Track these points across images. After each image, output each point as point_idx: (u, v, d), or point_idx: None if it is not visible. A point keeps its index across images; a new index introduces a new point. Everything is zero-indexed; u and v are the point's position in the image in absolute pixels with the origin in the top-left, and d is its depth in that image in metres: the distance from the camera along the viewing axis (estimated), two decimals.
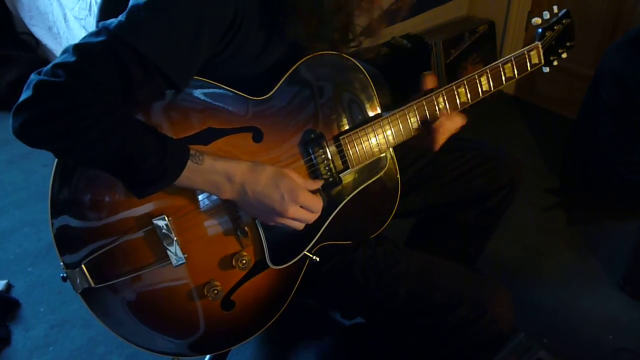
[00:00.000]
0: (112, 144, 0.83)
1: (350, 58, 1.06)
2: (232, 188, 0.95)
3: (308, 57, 1.02)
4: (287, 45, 1.02)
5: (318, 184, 1.05)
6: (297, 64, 1.01)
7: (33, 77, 0.81)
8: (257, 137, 1.01)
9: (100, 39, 0.83)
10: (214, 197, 0.99)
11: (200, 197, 0.99)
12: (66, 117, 0.80)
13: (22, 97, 0.81)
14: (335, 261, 1.15)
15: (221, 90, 0.97)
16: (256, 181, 0.95)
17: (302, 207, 0.99)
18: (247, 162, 0.96)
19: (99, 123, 0.81)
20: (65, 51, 0.83)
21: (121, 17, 0.84)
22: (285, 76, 1.01)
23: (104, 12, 1.14)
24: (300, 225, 1.01)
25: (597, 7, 2.47)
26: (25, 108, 0.81)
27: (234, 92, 0.98)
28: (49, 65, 0.82)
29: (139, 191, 0.90)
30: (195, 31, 0.87)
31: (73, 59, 0.81)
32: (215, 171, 0.93)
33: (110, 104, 0.83)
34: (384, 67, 1.21)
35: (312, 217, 1.02)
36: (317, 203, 1.01)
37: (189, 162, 0.90)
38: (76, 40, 0.85)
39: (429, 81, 1.16)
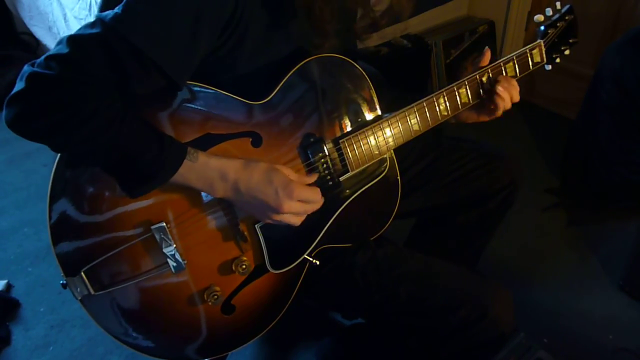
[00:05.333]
0: (107, 139, 0.82)
1: (349, 60, 1.05)
2: (226, 186, 0.94)
3: (307, 60, 1.00)
4: (288, 43, 1.00)
5: (313, 178, 1.02)
6: (295, 67, 1.00)
7: (26, 69, 0.80)
8: (256, 142, 1.00)
9: (94, 30, 0.80)
10: (213, 202, 0.99)
11: (198, 203, 0.98)
12: (60, 111, 0.79)
13: (15, 88, 0.79)
14: (336, 263, 1.14)
15: (219, 96, 0.96)
16: (249, 178, 0.94)
17: (299, 201, 0.97)
18: (240, 160, 0.94)
19: (94, 118, 0.79)
20: (59, 42, 0.81)
21: (117, 9, 0.82)
22: (284, 79, 1.00)
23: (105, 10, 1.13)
24: (298, 221, 0.99)
25: (597, 7, 2.46)
26: (18, 100, 0.79)
27: (232, 97, 0.97)
28: (42, 57, 0.80)
29: (133, 189, 0.88)
30: (194, 25, 0.84)
31: (66, 50, 0.79)
32: (209, 168, 0.92)
33: (105, 97, 0.81)
34: (384, 67, 1.21)
35: (310, 208, 0.99)
36: (314, 194, 0.99)
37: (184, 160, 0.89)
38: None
39: (486, 57, 1.17)
